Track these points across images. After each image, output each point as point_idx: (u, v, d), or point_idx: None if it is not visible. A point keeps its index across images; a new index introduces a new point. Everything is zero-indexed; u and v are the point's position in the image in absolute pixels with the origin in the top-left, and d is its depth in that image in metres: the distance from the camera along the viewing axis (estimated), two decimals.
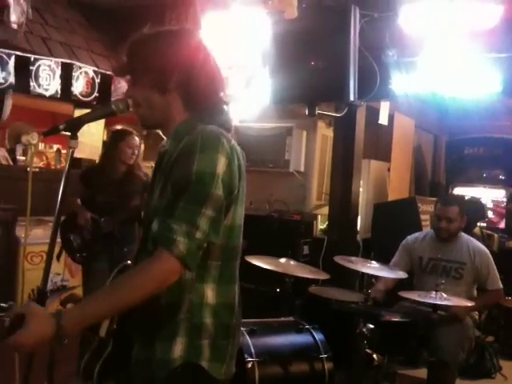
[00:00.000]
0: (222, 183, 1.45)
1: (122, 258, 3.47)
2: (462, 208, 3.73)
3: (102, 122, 5.65)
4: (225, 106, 1.67)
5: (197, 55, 1.62)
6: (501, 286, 3.70)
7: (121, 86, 5.46)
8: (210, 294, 1.53)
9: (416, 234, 3.98)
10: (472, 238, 3.85)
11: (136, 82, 1.63)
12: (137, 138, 3.86)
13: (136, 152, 3.86)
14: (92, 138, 5.87)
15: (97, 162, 4.57)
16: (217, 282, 1.55)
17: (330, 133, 5.53)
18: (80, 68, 5.24)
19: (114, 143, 3.86)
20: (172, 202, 1.43)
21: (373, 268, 3.36)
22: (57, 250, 3.81)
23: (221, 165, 1.45)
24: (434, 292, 3.23)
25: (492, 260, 3.72)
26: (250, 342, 2.94)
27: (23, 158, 6.24)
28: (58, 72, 5.06)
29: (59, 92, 5.08)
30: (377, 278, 3.83)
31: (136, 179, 3.85)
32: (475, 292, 3.79)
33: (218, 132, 1.51)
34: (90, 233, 3.76)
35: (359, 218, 5.21)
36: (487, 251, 3.76)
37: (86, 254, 3.78)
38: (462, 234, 3.80)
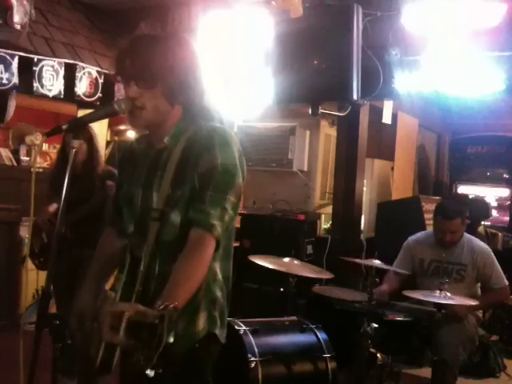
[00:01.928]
0: (241, 172, 1.65)
1: (80, 263, 3.23)
2: (463, 217, 3.70)
3: (105, 121, 5.65)
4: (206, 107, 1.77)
5: (200, 70, 1.72)
6: (506, 283, 3.68)
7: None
8: (218, 270, 1.73)
9: (417, 235, 3.96)
10: (473, 238, 3.83)
11: (147, 86, 1.63)
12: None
13: (77, 151, 3.64)
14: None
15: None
16: (221, 259, 1.73)
17: (333, 132, 5.53)
18: (83, 68, 5.25)
19: (61, 145, 3.70)
20: (200, 190, 1.60)
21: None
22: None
23: (237, 156, 1.65)
24: (438, 291, 3.23)
25: (495, 258, 3.71)
26: (253, 341, 2.94)
27: (27, 158, 6.27)
28: (62, 72, 5.07)
29: (62, 92, 5.09)
30: (381, 277, 3.82)
31: (93, 175, 3.55)
32: (479, 291, 3.78)
33: (225, 128, 1.69)
34: (47, 236, 3.54)
35: (363, 217, 5.21)
36: (489, 250, 3.75)
37: (43, 259, 3.55)
38: (464, 234, 3.78)
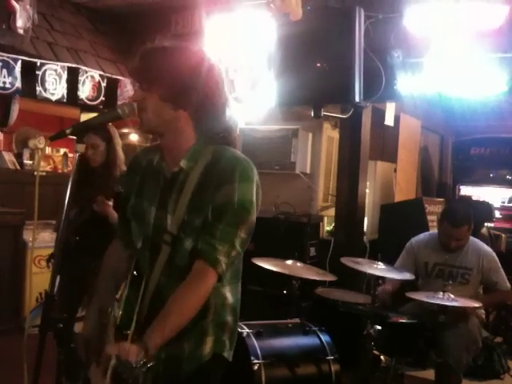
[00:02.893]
0: (256, 208, 1.65)
1: (85, 272, 3.10)
2: (470, 223, 3.67)
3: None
4: (228, 118, 1.74)
5: (215, 79, 1.68)
6: (509, 286, 3.69)
7: (127, 89, 5.48)
8: (228, 295, 1.74)
9: (420, 237, 3.93)
10: (478, 241, 3.81)
11: (151, 89, 1.62)
12: (95, 137, 3.31)
13: (96, 151, 3.32)
14: None
15: None
16: (230, 283, 1.74)
17: (335, 134, 5.52)
18: (86, 72, 5.27)
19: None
20: (212, 223, 1.60)
21: (380, 269, 3.35)
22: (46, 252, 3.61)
23: (254, 192, 1.64)
24: (441, 293, 3.22)
25: (498, 262, 3.70)
26: (256, 344, 2.94)
27: (30, 162, 6.28)
28: (65, 76, 5.09)
29: (65, 96, 5.11)
30: (383, 279, 3.81)
31: (110, 178, 3.32)
32: (481, 292, 3.78)
33: (248, 161, 1.68)
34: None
35: (366, 219, 5.20)
36: (493, 254, 3.74)
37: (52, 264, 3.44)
38: (469, 237, 3.76)
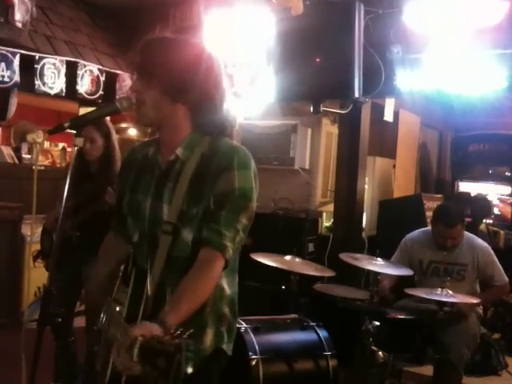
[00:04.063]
0: (255, 195, 1.67)
1: (85, 267, 3.07)
2: (464, 220, 3.68)
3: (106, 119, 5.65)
4: (226, 112, 1.74)
5: (214, 73, 1.69)
6: (507, 279, 3.69)
7: (126, 83, 5.46)
8: (225, 286, 1.73)
9: (415, 234, 3.92)
10: (472, 236, 3.81)
11: (150, 83, 1.62)
12: (92, 130, 3.21)
13: (93, 146, 3.24)
14: None
15: None
16: (226, 275, 1.72)
17: (334, 130, 5.52)
18: (85, 66, 5.25)
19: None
20: (215, 211, 1.61)
21: (378, 265, 3.36)
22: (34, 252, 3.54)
23: (253, 179, 1.67)
24: (439, 289, 3.22)
25: (495, 256, 3.71)
26: (254, 339, 2.94)
27: (28, 156, 6.28)
28: (63, 70, 5.07)
29: (64, 90, 5.09)
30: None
31: (110, 173, 3.21)
32: (478, 288, 3.78)
33: (244, 149, 1.70)
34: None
35: (364, 215, 5.20)
36: (489, 248, 3.74)
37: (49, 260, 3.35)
38: (464, 233, 3.76)
